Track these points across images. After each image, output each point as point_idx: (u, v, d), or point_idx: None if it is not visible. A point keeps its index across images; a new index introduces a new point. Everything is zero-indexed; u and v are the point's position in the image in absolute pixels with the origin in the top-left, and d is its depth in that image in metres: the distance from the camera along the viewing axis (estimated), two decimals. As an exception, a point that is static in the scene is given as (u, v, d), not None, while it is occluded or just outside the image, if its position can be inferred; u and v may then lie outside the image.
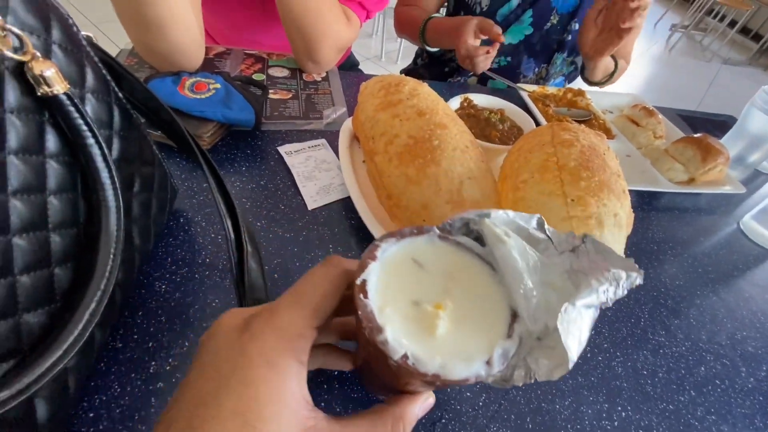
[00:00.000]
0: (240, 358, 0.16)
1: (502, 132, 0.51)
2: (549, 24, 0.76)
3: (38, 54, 0.22)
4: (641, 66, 3.24)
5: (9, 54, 0.21)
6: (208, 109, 0.43)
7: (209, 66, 0.58)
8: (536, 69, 0.82)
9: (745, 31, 4.45)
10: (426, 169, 0.35)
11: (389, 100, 0.39)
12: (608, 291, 0.16)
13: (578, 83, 0.92)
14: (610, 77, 0.77)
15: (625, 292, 0.16)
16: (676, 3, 4.38)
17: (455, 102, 0.54)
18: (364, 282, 0.16)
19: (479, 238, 0.20)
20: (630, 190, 0.53)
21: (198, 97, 0.44)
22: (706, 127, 0.75)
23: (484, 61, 0.65)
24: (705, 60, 3.64)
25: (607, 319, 0.39)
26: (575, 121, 0.62)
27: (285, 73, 0.61)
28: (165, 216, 0.36)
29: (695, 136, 0.55)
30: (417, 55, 0.98)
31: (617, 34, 0.61)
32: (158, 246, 0.36)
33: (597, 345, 0.37)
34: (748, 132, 0.57)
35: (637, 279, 0.16)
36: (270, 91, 0.56)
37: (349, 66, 0.96)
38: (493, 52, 0.63)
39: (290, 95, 0.56)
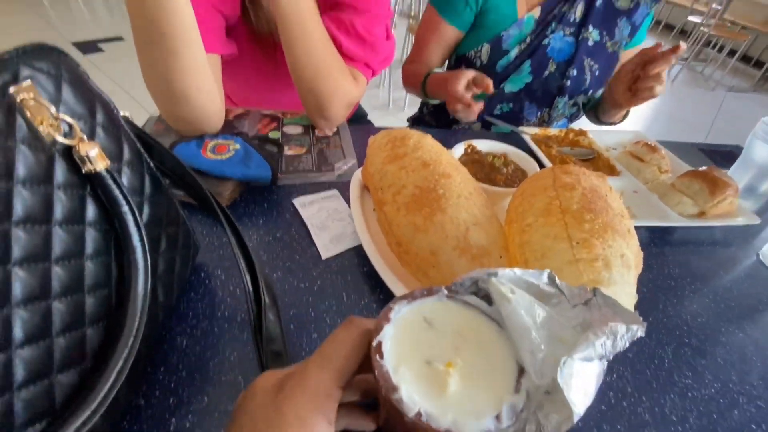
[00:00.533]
0: (275, 417, 0.17)
1: (506, 175, 0.52)
2: (547, 72, 0.80)
3: (84, 137, 0.25)
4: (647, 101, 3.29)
5: (60, 139, 0.24)
6: (229, 169, 0.46)
7: (229, 127, 0.62)
8: (538, 113, 0.85)
9: (745, 59, 4.53)
10: (432, 217, 0.36)
11: (396, 153, 0.42)
12: (605, 344, 0.16)
13: (579, 123, 0.95)
14: (623, 118, 0.82)
15: (627, 344, 0.17)
16: (672, 37, 4.52)
17: (460, 148, 0.56)
18: (379, 344, 0.17)
19: (487, 296, 0.21)
20: (641, 227, 0.54)
21: (219, 158, 0.48)
22: (713, 158, 0.76)
23: (464, 111, 0.68)
24: (709, 89, 3.68)
25: (629, 362, 0.38)
26: (579, 160, 0.64)
27: (299, 130, 0.65)
28: (188, 271, 0.38)
29: (701, 169, 0.56)
30: (423, 104, 1.03)
31: (650, 88, 0.65)
32: (180, 300, 0.38)
33: (621, 390, 0.36)
34: (754, 162, 0.57)
35: (639, 331, 0.17)
36: (285, 147, 0.60)
37: (358, 117, 1.01)
38: (476, 107, 0.67)
39: (304, 150, 0.60)
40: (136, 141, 0.31)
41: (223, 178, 0.47)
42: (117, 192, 0.26)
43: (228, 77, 0.79)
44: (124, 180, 0.29)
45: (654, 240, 0.54)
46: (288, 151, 0.59)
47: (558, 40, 0.80)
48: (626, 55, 0.84)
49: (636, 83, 0.68)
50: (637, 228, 0.53)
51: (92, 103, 0.27)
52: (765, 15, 4.33)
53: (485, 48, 0.80)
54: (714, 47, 4.29)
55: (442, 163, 0.40)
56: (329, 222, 0.48)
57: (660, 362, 0.38)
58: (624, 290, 0.31)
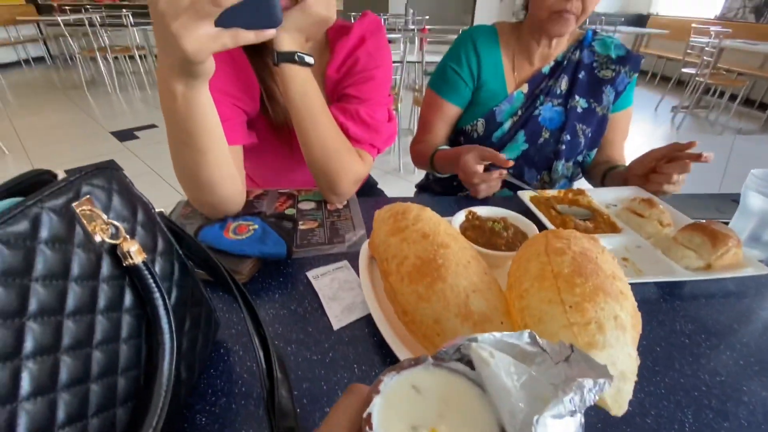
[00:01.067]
0: None
1: (507, 239, 0.55)
2: (542, 139, 0.86)
3: (127, 236, 0.30)
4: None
5: (108, 240, 0.29)
6: (248, 248, 0.51)
7: (250, 207, 0.69)
8: (538, 176, 0.89)
9: (748, 102, 4.61)
10: (434, 286, 0.39)
11: (397, 227, 0.45)
12: (574, 400, 0.18)
13: (580, 182, 0.99)
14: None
15: (595, 397, 0.18)
16: (671, 88, 4.68)
17: (461, 216, 0.60)
18: (369, 415, 0.19)
19: (470, 362, 0.22)
20: (649, 283, 0.54)
21: (239, 238, 0.53)
22: (719, 206, 0.76)
23: (487, 190, 0.72)
24: (717, 134, 3.72)
25: (648, 427, 0.37)
26: (579, 219, 0.66)
27: (312, 205, 0.70)
28: (208, 349, 0.41)
29: (700, 222, 0.57)
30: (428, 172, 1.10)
31: (659, 183, 0.71)
32: (201, 377, 0.40)
33: (641, 458, 0.35)
34: (753, 213, 0.58)
35: (606, 384, 0.18)
36: (299, 223, 0.65)
37: (368, 188, 1.08)
38: (496, 183, 0.71)
39: (316, 224, 0.65)
40: (167, 233, 0.36)
41: (243, 256, 0.51)
42: (151, 281, 0.30)
43: (250, 162, 0.88)
44: (157, 268, 0.34)
45: (663, 296, 0.54)
46: (302, 226, 0.64)
47: (548, 110, 0.86)
48: (615, 117, 0.90)
49: (651, 175, 0.72)
50: (644, 284, 0.54)
51: (134, 206, 0.32)
52: (759, 60, 4.50)
53: (480, 122, 0.87)
54: (714, 94, 4.41)
55: (440, 234, 0.43)
56: (340, 292, 0.51)
57: (680, 427, 0.37)
58: (622, 352, 0.32)
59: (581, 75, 0.86)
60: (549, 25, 0.77)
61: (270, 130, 0.78)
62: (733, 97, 4.04)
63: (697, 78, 3.89)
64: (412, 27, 3.83)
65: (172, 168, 0.56)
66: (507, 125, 0.85)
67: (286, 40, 0.60)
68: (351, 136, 0.70)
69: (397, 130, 0.79)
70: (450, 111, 0.90)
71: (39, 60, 6.54)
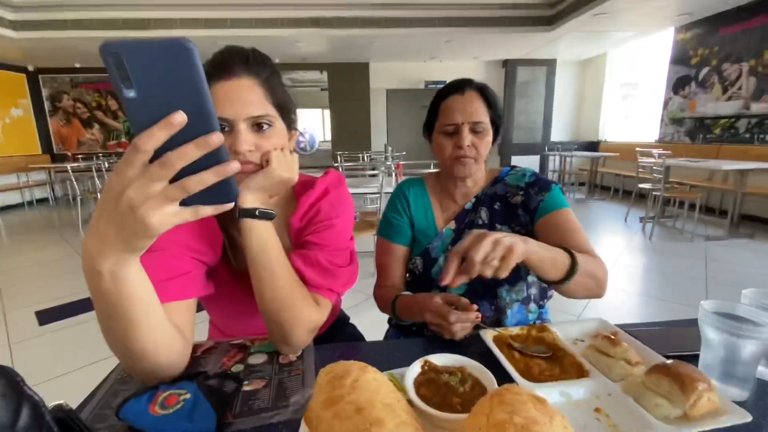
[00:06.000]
0: None
1: (462, 396, 0.51)
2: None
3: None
4: (633, 257, 3.44)
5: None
6: (170, 427, 0.46)
7: (194, 365, 0.64)
8: (492, 307, 0.89)
9: (709, 210, 4.95)
10: (364, 478, 0.34)
11: (333, 396, 0.42)
12: None
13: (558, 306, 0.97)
14: (572, 271, 0.71)
15: None
16: (633, 200, 5.05)
17: (416, 367, 0.56)
18: None
19: None
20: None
21: (165, 413, 0.47)
22: (686, 337, 0.73)
23: (462, 330, 0.70)
24: (688, 240, 3.88)
25: None
26: (542, 358, 0.63)
27: (263, 359, 0.66)
28: None
29: (665, 364, 0.54)
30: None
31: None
32: None
33: None
34: (715, 348, 0.56)
35: None
36: (245, 382, 0.60)
37: (342, 324, 1.04)
38: (469, 325, 0.70)
39: (263, 383, 0.60)
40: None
41: (165, 437, 0.45)
42: None
43: (212, 309, 0.87)
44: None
45: (646, 456, 0.47)
46: (246, 386, 0.59)
47: None
48: (545, 222, 0.88)
49: None
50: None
51: (18, 409, 0.30)
52: (706, 173, 4.99)
53: (419, 260, 0.95)
54: (674, 204, 4.76)
55: (376, 407, 0.39)
56: (275, 478, 0.44)
57: None
58: None
59: (497, 206, 0.94)
60: (453, 170, 0.90)
61: (231, 278, 0.78)
62: (692, 206, 4.35)
63: (653, 192, 4.24)
64: (389, 163, 4.27)
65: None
66: (441, 260, 0.90)
67: (249, 198, 0.65)
68: (308, 282, 0.70)
69: (357, 271, 0.80)
70: (399, 252, 0.98)
71: (42, 201, 6.92)
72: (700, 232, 4.07)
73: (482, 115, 0.88)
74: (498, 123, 0.91)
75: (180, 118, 0.35)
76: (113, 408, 0.54)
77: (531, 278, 0.92)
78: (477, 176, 0.95)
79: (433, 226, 0.97)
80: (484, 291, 0.89)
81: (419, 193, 1.00)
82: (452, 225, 0.95)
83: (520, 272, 0.90)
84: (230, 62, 0.64)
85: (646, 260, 3.41)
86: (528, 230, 0.91)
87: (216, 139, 0.36)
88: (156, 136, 0.35)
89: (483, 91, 0.90)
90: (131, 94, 0.34)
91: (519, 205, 0.92)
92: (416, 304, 0.80)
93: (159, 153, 0.36)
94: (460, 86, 0.89)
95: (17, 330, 2.32)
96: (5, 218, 5.69)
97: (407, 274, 0.97)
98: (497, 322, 0.90)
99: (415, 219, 0.98)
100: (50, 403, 0.35)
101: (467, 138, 0.87)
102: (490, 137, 0.90)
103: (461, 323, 0.70)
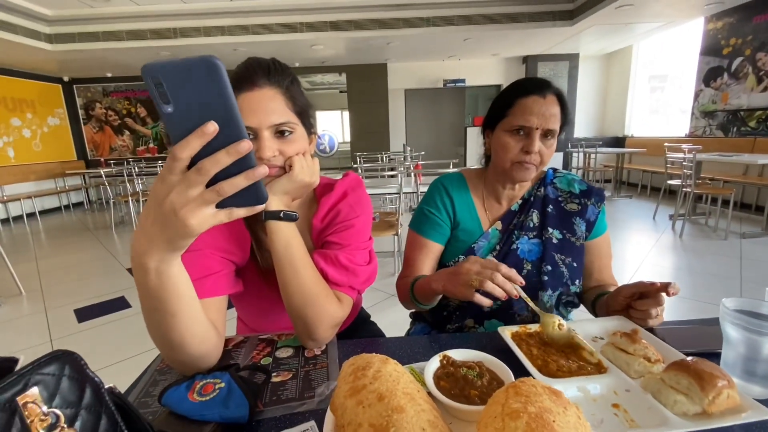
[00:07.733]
0: None
1: (480, 389, 0.53)
2: (525, 271, 0.89)
3: (65, 426, 0.30)
4: (662, 256, 3.33)
5: (42, 433, 0.29)
6: (208, 412, 0.49)
7: (226, 357, 0.68)
8: (528, 308, 0.89)
9: (744, 206, 4.73)
10: (386, 460, 0.36)
11: (356, 386, 0.44)
12: None
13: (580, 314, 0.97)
14: None
15: None
16: (662, 197, 4.88)
17: (435, 362, 0.58)
18: None
19: None
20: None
21: (203, 399, 0.52)
22: (708, 335, 0.73)
23: (503, 282, 0.66)
24: (721, 239, 3.72)
25: None
26: (561, 358, 0.64)
27: (290, 352, 0.70)
28: None
29: (685, 361, 0.54)
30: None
31: (642, 320, 0.72)
32: None
33: None
34: (737, 345, 0.56)
35: None
36: (273, 374, 0.63)
37: (360, 321, 1.07)
38: (508, 287, 0.66)
39: (290, 375, 0.63)
40: (114, 412, 0.36)
41: (203, 422, 0.49)
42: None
43: (240, 306, 0.91)
44: (93, 457, 0.33)
45: (663, 451, 0.48)
46: (275, 378, 0.62)
47: (525, 243, 0.91)
48: (593, 244, 0.93)
49: (630, 311, 0.74)
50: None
51: (83, 388, 0.34)
52: (740, 168, 4.77)
53: (462, 259, 0.91)
54: (706, 201, 4.56)
55: (396, 395, 0.42)
56: (303, 462, 0.47)
57: None
58: None
59: (549, 209, 0.93)
60: (513, 173, 0.87)
61: (259, 276, 0.83)
62: (726, 202, 4.16)
63: (684, 189, 4.09)
64: (408, 163, 4.28)
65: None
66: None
67: (274, 201, 0.69)
68: (330, 280, 0.74)
69: (376, 270, 0.83)
70: (433, 248, 0.95)
71: (78, 205, 7.29)
72: (734, 230, 3.90)
73: (557, 123, 0.84)
74: (563, 130, 0.87)
75: (212, 127, 0.39)
76: (154, 396, 0.59)
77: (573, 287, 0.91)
78: None
79: (478, 225, 0.95)
80: (527, 292, 0.88)
81: (460, 189, 0.97)
82: (498, 225, 0.93)
83: (563, 277, 0.89)
84: (253, 74, 0.68)
85: (676, 259, 3.30)
86: (581, 245, 0.91)
87: (245, 145, 0.40)
88: (191, 145, 0.39)
89: (561, 97, 0.86)
90: (169, 109, 0.38)
91: (576, 213, 0.91)
92: (446, 272, 0.76)
93: (195, 161, 0.40)
94: (540, 87, 0.84)
95: (58, 327, 2.47)
96: (45, 222, 6.03)
97: None
98: (531, 320, 0.90)
99: (460, 217, 0.95)
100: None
101: (537, 143, 0.83)
102: (555, 145, 0.87)
103: (508, 272, 0.67)
